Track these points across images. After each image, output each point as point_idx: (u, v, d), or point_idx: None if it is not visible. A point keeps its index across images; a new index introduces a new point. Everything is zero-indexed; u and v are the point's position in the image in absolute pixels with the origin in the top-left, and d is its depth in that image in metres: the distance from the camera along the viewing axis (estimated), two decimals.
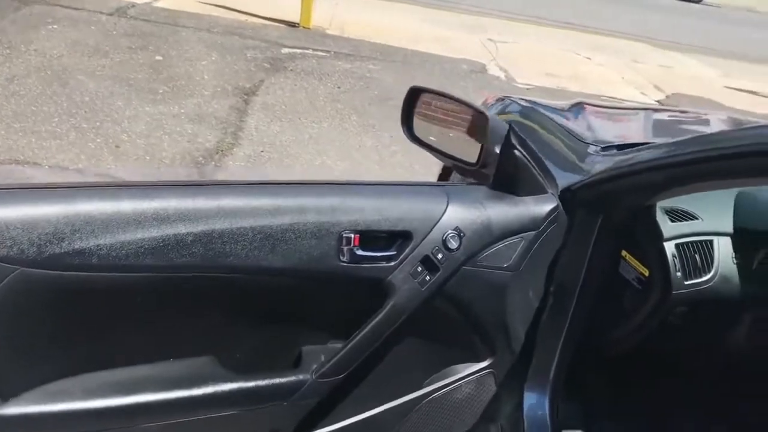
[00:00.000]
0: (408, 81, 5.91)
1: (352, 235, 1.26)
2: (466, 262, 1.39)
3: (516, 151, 1.44)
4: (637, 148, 1.59)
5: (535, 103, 2.37)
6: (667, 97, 7.00)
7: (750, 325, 1.68)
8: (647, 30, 10.54)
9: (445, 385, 1.54)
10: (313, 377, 1.33)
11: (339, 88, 5.37)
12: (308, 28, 6.93)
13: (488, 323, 1.51)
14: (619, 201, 1.54)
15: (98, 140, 3.78)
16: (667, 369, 1.78)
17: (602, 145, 1.69)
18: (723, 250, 1.60)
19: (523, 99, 2.54)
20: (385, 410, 1.49)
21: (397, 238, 1.33)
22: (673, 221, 1.60)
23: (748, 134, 1.26)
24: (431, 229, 1.34)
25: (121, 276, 1.09)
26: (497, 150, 1.49)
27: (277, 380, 1.31)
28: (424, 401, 1.53)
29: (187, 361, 1.24)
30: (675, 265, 1.55)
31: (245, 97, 4.84)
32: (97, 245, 1.05)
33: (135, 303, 1.14)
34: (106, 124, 3.98)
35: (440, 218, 1.35)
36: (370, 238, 1.29)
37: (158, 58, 5.23)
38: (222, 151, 3.96)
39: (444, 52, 7.06)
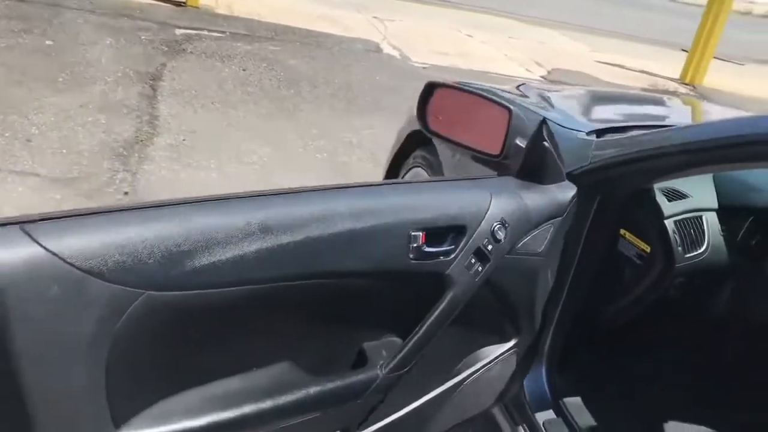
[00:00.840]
0: (311, 62, 5.90)
1: (420, 233, 1.32)
2: (509, 251, 1.49)
3: (545, 142, 1.54)
4: (629, 133, 1.75)
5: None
6: (549, 72, 7.43)
7: (737, 291, 1.90)
8: (515, 6, 11.02)
9: (478, 368, 1.64)
10: (383, 373, 1.38)
11: (244, 70, 5.26)
12: (196, 7, 6.68)
13: (520, 306, 1.61)
14: (620, 184, 1.68)
15: (7, 134, 3.51)
16: (663, 337, 1.97)
17: (586, 130, 1.84)
18: (711, 224, 1.80)
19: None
20: (431, 398, 1.56)
21: (452, 233, 1.40)
22: (669, 200, 1.77)
23: (754, 123, 1.43)
24: (481, 222, 1.41)
25: (233, 291, 1.09)
26: (518, 141, 1.59)
27: (352, 379, 1.35)
28: (463, 384, 1.62)
29: (275, 369, 1.26)
30: (676, 240, 1.73)
31: (151, 82, 4.64)
32: (214, 261, 1.05)
33: (242, 317, 1.14)
34: (10, 116, 3.70)
35: (488, 211, 1.43)
36: (433, 234, 1.35)
37: (48, 42, 4.87)
38: (142, 141, 3.80)
39: (337, 31, 7.07)
